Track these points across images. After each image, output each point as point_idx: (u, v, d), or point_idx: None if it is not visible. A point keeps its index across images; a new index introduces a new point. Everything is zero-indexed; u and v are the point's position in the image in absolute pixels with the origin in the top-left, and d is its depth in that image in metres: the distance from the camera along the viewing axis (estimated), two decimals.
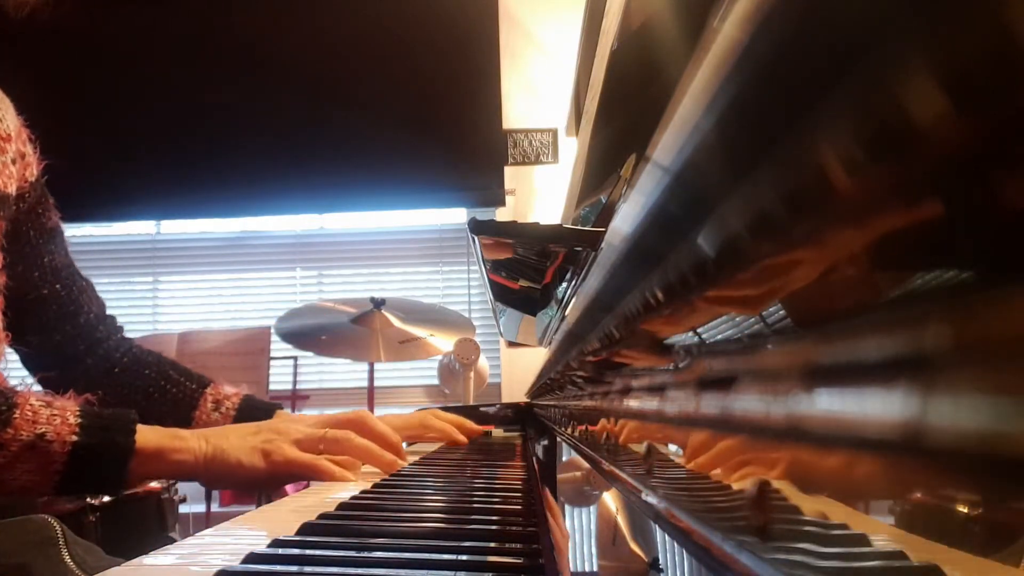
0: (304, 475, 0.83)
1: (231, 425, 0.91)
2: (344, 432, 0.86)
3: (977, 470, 0.11)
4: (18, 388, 0.77)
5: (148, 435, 0.77)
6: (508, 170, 2.81)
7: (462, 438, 1.16)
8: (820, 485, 0.16)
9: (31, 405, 0.73)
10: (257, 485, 0.84)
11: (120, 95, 2.80)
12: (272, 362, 2.51)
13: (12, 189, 0.94)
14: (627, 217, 0.29)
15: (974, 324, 0.11)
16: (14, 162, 0.95)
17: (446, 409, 1.59)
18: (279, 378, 2.71)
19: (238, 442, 0.82)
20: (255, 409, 1.06)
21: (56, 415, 0.74)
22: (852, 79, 0.12)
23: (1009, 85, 0.09)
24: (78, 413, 0.75)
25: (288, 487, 2.64)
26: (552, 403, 1.08)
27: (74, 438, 0.73)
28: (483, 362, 2.39)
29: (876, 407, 0.13)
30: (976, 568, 0.11)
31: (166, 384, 1.05)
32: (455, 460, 1.08)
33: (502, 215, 2.76)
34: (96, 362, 1.05)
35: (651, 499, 0.33)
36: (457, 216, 3.01)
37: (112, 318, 1.10)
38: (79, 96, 2.61)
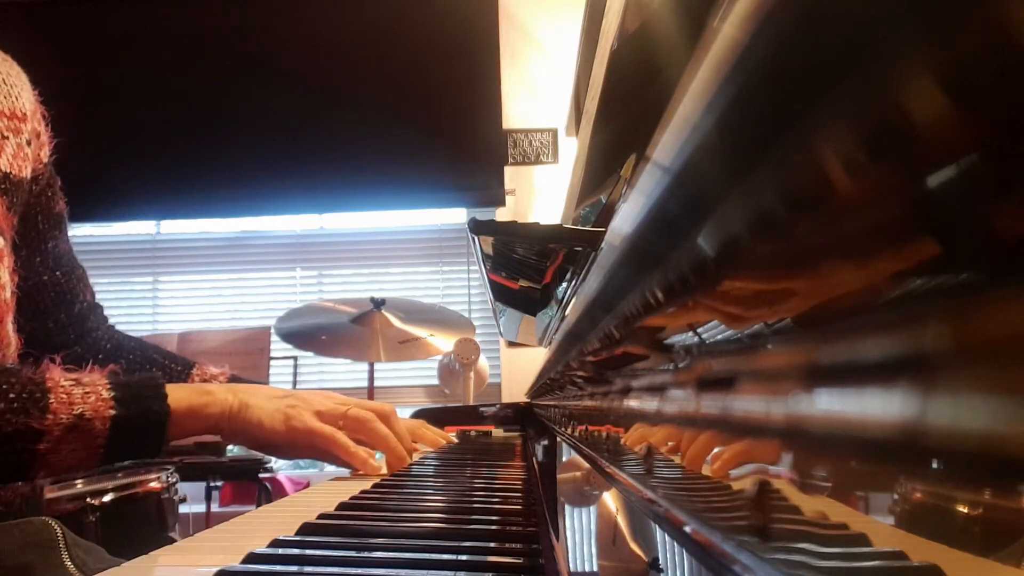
0: (320, 446, 0.83)
1: (260, 385, 0.90)
2: (366, 413, 0.87)
3: (977, 470, 0.11)
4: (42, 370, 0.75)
5: (178, 395, 0.78)
6: (508, 170, 2.81)
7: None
8: (820, 485, 0.16)
9: (62, 387, 0.73)
10: (273, 448, 0.84)
11: (120, 95, 2.81)
12: (272, 362, 2.51)
13: (27, 173, 0.90)
14: (627, 217, 0.29)
15: (974, 324, 0.11)
16: (29, 143, 0.90)
17: (445, 410, 1.59)
18: (279, 378, 2.71)
19: (264, 402, 0.82)
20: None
21: (89, 392, 0.74)
22: (852, 79, 0.12)
23: (1009, 84, 0.09)
24: (109, 386, 0.75)
25: (288, 486, 2.62)
26: (552, 403, 1.08)
27: (112, 412, 0.74)
28: (483, 362, 2.39)
29: (876, 407, 0.13)
30: (976, 568, 0.11)
31: (151, 368, 1.04)
32: (455, 460, 1.08)
33: (502, 215, 2.76)
34: (84, 350, 1.02)
35: (651, 499, 0.33)
36: (457, 216, 3.01)
37: (100, 307, 1.08)
38: (79, 96, 2.61)
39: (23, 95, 0.91)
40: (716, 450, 0.24)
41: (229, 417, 0.80)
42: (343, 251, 3.07)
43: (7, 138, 0.87)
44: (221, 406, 0.80)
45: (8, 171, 0.86)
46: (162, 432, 0.76)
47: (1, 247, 0.84)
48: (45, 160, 0.95)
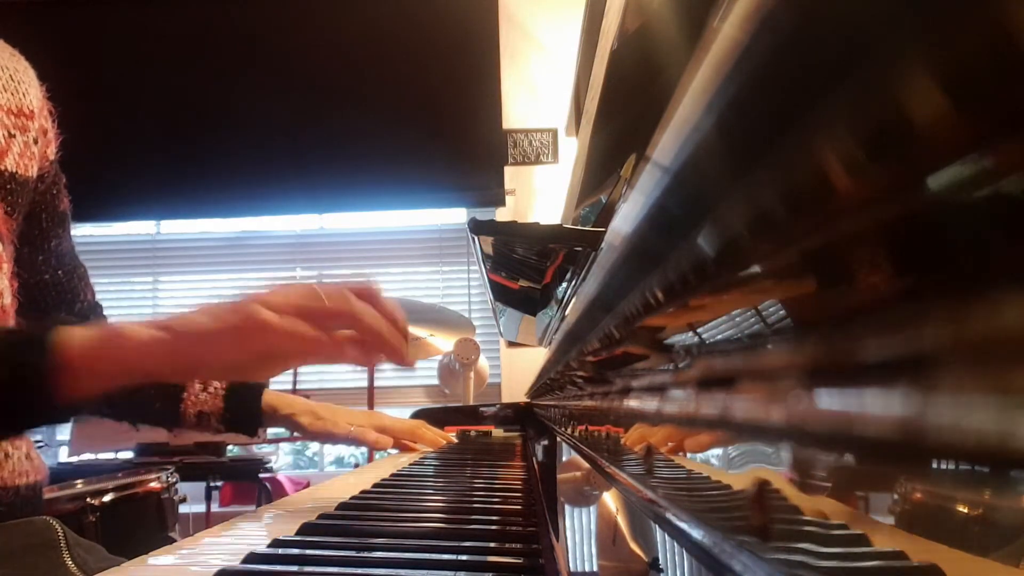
0: (278, 344, 0.62)
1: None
2: (339, 290, 0.69)
3: (977, 470, 0.11)
4: None
5: (72, 341, 0.61)
6: (508, 170, 2.81)
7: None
8: (820, 485, 0.16)
9: None
10: (220, 366, 0.67)
11: (120, 95, 2.80)
12: None
13: (33, 172, 0.86)
14: (627, 217, 0.29)
15: (974, 324, 0.11)
16: (36, 141, 0.87)
17: (445, 410, 1.59)
18: (279, 378, 2.70)
19: (197, 316, 0.63)
20: (243, 387, 1.04)
21: None
22: (853, 79, 0.12)
23: (1009, 84, 0.09)
24: None
25: (288, 486, 2.62)
26: (552, 403, 1.08)
27: None
28: (483, 362, 2.39)
29: (876, 407, 0.13)
30: (976, 568, 0.11)
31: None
32: (455, 460, 1.08)
33: (502, 215, 2.76)
34: None
35: (651, 499, 0.33)
36: (457, 216, 3.01)
37: (100, 306, 1.07)
38: (79, 96, 2.61)
39: (31, 92, 0.88)
40: (715, 449, 0.24)
41: (160, 345, 0.61)
42: (343, 251, 3.07)
43: (13, 136, 0.84)
44: (139, 338, 0.61)
45: (14, 171, 0.83)
46: (48, 389, 0.60)
47: (0, 252, 0.83)
48: (52, 157, 0.93)
